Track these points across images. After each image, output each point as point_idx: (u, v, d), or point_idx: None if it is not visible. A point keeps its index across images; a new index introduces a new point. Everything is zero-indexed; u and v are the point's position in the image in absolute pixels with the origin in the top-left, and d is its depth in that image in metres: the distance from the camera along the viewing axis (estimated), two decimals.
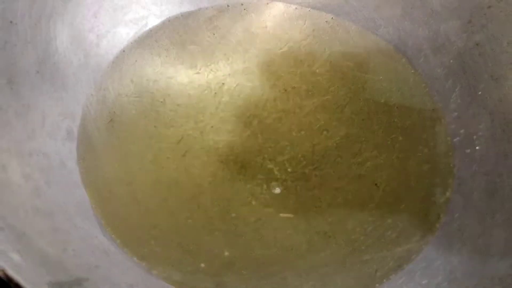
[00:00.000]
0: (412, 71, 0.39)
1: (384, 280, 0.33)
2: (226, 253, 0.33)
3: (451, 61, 0.38)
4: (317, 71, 0.38)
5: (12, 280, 0.26)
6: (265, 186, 0.35)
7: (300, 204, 0.35)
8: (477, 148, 0.36)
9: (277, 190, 0.35)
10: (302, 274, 0.33)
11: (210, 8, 0.40)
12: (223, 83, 0.38)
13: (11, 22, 0.32)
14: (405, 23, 0.40)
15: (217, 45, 0.39)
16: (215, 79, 0.38)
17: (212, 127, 0.37)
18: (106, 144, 0.36)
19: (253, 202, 0.35)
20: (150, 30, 0.39)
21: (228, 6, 0.40)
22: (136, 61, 0.38)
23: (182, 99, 0.38)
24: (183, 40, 0.39)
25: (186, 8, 0.40)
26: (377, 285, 0.33)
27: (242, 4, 0.40)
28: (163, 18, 0.40)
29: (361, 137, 0.37)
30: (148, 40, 0.39)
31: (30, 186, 0.32)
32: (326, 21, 0.40)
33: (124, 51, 0.39)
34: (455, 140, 0.37)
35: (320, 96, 0.38)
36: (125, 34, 0.39)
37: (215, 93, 0.38)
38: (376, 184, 0.35)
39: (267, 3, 0.41)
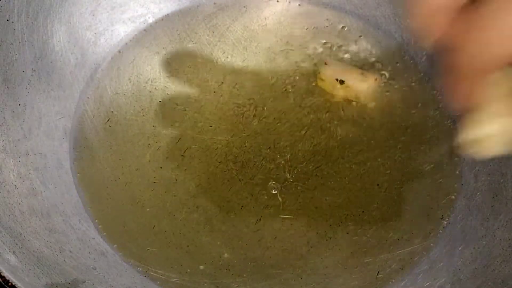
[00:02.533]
0: (415, 69, 0.39)
1: (386, 283, 0.33)
2: (226, 255, 0.33)
3: None
4: (318, 69, 0.38)
5: (8, 282, 0.26)
6: (265, 187, 0.35)
7: (301, 205, 0.35)
8: None
9: (277, 191, 0.35)
10: (302, 275, 0.33)
11: (209, 6, 0.40)
12: (222, 82, 0.38)
13: (7, 20, 0.32)
14: (407, 20, 0.39)
15: (216, 43, 0.39)
16: (214, 78, 0.38)
17: (211, 126, 0.37)
18: (104, 144, 0.36)
19: (253, 203, 0.34)
20: (149, 28, 0.39)
21: (227, 3, 0.40)
22: (134, 59, 0.38)
23: (181, 98, 0.37)
24: (182, 38, 0.39)
25: (185, 5, 0.40)
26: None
27: (241, 2, 0.40)
28: (161, 16, 0.40)
29: (362, 136, 0.37)
30: (146, 38, 0.39)
31: (26, 186, 0.32)
32: (327, 19, 0.40)
33: (122, 49, 0.38)
34: (458, 140, 0.37)
35: (321, 95, 0.38)
36: (123, 32, 0.39)
37: (214, 92, 0.38)
38: (378, 185, 0.35)
39: (267, 1, 0.40)
